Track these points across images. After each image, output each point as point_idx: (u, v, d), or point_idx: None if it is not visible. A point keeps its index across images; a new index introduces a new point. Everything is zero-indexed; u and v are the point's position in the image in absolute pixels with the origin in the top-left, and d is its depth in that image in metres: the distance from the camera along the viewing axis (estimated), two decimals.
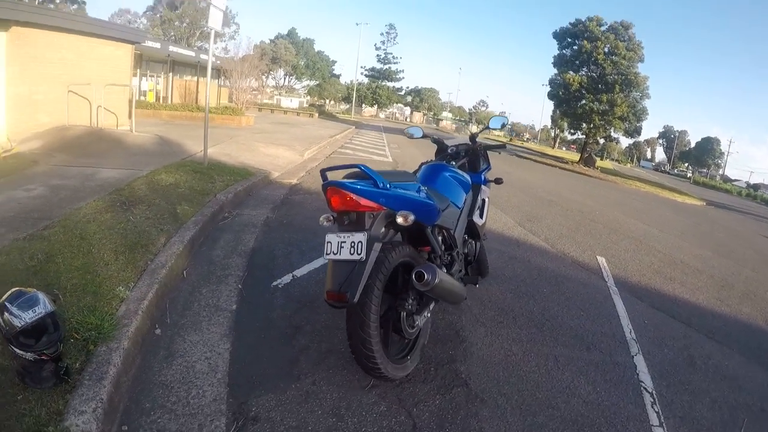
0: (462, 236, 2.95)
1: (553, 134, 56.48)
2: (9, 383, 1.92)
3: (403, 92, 64.59)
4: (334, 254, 1.92)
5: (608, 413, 2.49)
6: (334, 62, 60.52)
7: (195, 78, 28.62)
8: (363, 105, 57.43)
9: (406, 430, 2.04)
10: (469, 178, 3.15)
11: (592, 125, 27.54)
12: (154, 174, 6.31)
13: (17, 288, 2.08)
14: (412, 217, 1.99)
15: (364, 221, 1.98)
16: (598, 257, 5.35)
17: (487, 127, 3.56)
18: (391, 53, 56.65)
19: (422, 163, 3.16)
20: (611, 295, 4.33)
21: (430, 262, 2.41)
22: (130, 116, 12.35)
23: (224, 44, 40.48)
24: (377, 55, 57.08)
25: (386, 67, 56.88)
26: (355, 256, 1.88)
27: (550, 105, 33.78)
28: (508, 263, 4.52)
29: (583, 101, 27.29)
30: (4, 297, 1.98)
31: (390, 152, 14.31)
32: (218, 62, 26.76)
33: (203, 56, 27.50)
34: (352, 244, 1.90)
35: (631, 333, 3.61)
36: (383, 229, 2.08)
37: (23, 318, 1.90)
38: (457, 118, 72.38)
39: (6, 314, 1.91)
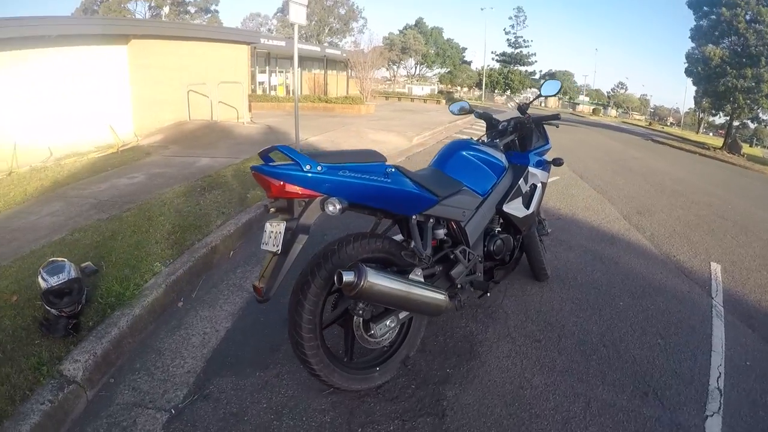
0: (481, 230, 2.50)
1: (697, 117, 49.58)
2: (34, 329, 2.41)
3: (536, 76, 62.79)
4: (264, 244, 1.85)
5: None
6: (464, 49, 61.26)
7: (322, 71, 31.08)
8: (495, 91, 56.89)
9: None
10: (503, 158, 2.71)
11: (735, 105, 24.08)
12: (245, 162, 7.05)
13: (52, 258, 2.67)
14: (338, 206, 1.73)
15: (293, 209, 1.85)
16: (713, 264, 4.29)
17: (540, 95, 3.12)
18: (521, 37, 56.66)
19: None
20: (712, 317, 3.34)
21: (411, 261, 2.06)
22: (250, 110, 14.07)
23: (353, 38, 42.97)
24: (507, 40, 57.26)
25: (517, 51, 57.02)
26: (273, 248, 1.78)
27: (693, 87, 29.33)
28: (589, 265, 3.91)
29: (726, 77, 23.32)
30: (43, 264, 2.61)
31: None
32: (344, 55, 28.77)
33: (329, 51, 29.80)
34: (271, 234, 1.82)
35: (720, 380, 2.63)
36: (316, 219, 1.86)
37: (49, 281, 2.49)
38: (595, 101, 67.11)
39: (40, 278, 2.51)
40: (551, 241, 4.08)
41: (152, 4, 40.71)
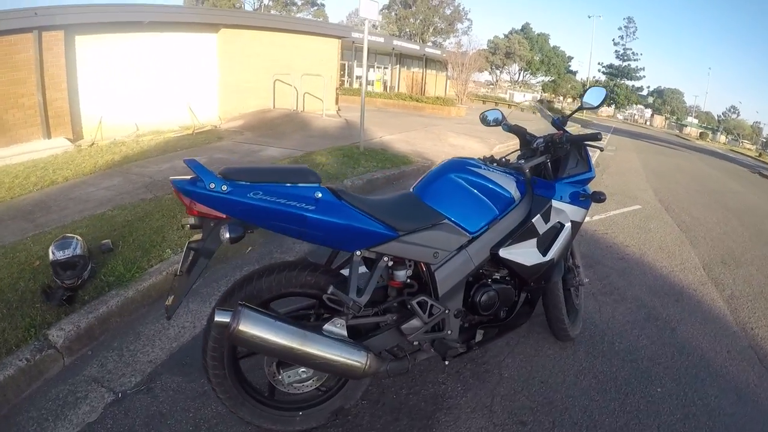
0: (461, 277, 2.01)
1: None
2: (39, 294, 2.75)
3: (644, 92, 59.43)
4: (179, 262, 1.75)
5: None
6: (570, 58, 60.45)
7: (421, 70, 31.38)
8: None
9: None
10: (511, 187, 2.16)
11: None
12: (308, 155, 7.30)
13: (64, 234, 2.98)
14: (227, 235, 1.55)
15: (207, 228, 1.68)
16: None
17: (582, 107, 2.62)
18: (630, 49, 55.62)
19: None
20: None
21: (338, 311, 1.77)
22: (337, 102, 14.60)
23: (457, 39, 42.79)
24: (615, 51, 56.76)
25: (625, 64, 55.87)
26: (179, 267, 1.70)
27: None
28: (637, 326, 3.18)
29: None
30: (57, 238, 2.99)
31: (598, 154, 12.63)
32: (443, 55, 28.80)
33: (428, 50, 29.97)
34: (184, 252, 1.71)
35: None
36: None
37: (56, 255, 2.76)
38: (704, 125, 61.63)
39: (50, 249, 2.84)
40: (601, 288, 3.66)
41: None
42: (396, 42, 27.38)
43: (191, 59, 10.11)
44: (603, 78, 56.88)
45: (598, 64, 61.81)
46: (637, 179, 9.45)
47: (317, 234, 1.68)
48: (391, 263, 1.86)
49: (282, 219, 1.63)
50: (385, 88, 28.58)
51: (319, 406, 1.98)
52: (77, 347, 2.50)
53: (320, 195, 1.67)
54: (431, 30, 46.06)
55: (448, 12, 47.41)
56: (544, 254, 2.18)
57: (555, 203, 2.22)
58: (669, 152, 18.77)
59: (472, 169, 2.11)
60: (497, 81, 55.42)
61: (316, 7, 49.46)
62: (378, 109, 18.08)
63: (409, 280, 1.93)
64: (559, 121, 2.57)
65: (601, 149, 2.68)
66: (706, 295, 3.84)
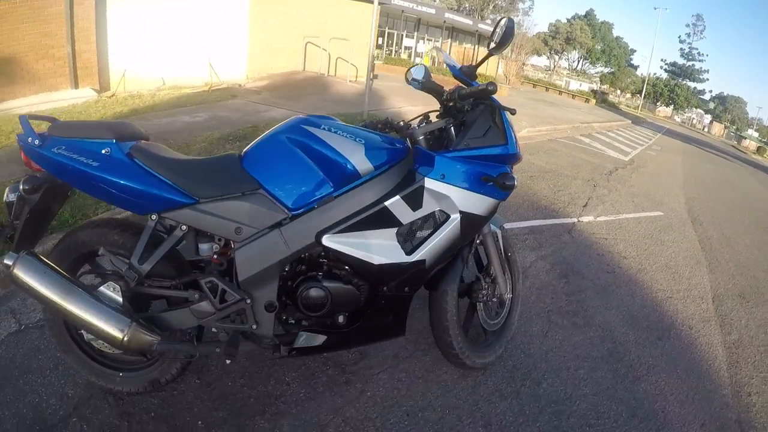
0: (274, 262, 1.55)
1: None
2: None
3: (705, 96, 55.23)
4: None
5: None
6: (632, 51, 56.14)
7: (473, 46, 29.83)
8: (658, 103, 51.31)
9: None
10: (357, 157, 1.58)
11: None
12: None
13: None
14: (11, 195, 1.52)
15: None
16: None
17: (491, 53, 1.74)
18: (696, 48, 51.88)
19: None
20: None
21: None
22: (373, 70, 13.94)
23: (517, 19, 40.23)
24: (680, 49, 52.40)
25: (689, 64, 52.05)
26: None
27: None
28: (585, 365, 2.34)
29: None
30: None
31: (637, 152, 11.38)
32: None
33: (481, 25, 28.28)
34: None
35: None
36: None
37: (9, 196, 2.51)
38: (765, 139, 56.79)
39: (5, 191, 2.64)
40: (564, 305, 2.89)
41: None
42: (447, 14, 25.83)
43: (221, 17, 9.72)
44: (664, 75, 53.40)
45: (661, 60, 57.91)
46: (671, 183, 8.23)
47: (109, 193, 1.50)
48: (187, 232, 1.56)
49: (73, 175, 1.49)
50: (433, 62, 27.33)
51: (138, 372, 1.76)
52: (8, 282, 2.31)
53: (108, 151, 1.50)
54: (491, 7, 43.68)
55: None
56: (408, 252, 1.63)
57: (431, 183, 1.61)
58: (719, 161, 16.76)
59: (308, 129, 1.59)
60: (555, 67, 52.23)
61: None
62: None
63: (216, 257, 1.61)
64: (461, 71, 1.81)
65: (513, 112, 1.77)
66: (702, 336, 2.92)
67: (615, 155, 9.74)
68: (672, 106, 51.99)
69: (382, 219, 1.57)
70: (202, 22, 9.27)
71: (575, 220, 4.66)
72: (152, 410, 1.71)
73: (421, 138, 1.73)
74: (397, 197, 1.57)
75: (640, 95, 46.40)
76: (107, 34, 8.15)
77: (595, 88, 41.73)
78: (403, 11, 22.59)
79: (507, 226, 4.12)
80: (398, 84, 13.02)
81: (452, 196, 1.62)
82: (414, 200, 1.59)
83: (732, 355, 2.80)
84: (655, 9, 52.27)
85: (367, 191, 1.57)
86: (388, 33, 25.01)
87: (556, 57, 52.36)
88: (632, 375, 2.36)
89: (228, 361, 1.61)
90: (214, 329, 1.62)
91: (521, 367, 2.24)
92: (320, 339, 1.70)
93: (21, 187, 1.53)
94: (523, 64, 23.73)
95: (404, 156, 1.67)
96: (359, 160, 1.57)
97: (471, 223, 1.69)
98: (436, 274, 1.84)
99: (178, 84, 8.80)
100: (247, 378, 1.91)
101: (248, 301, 1.56)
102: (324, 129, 1.59)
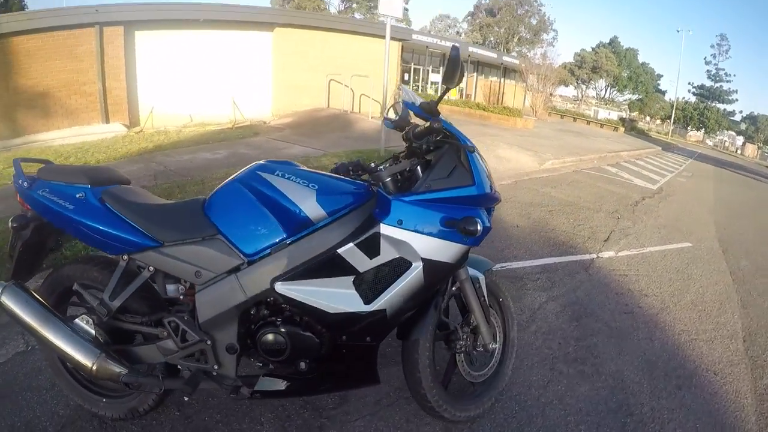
0: (232, 306, 1.54)
1: None
2: None
3: (737, 118, 53.05)
4: None
5: None
6: (659, 76, 54.88)
7: (499, 79, 29.93)
8: (689, 127, 49.82)
9: None
10: (308, 203, 1.55)
11: None
12: (326, 156, 6.83)
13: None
14: (11, 224, 1.65)
15: None
16: None
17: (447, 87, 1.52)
18: (723, 69, 49.47)
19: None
20: None
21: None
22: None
23: (542, 50, 40.27)
24: (707, 71, 50.13)
25: (717, 85, 49.84)
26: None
27: None
28: (587, 421, 2.10)
29: None
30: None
31: (666, 180, 10.88)
32: (523, 65, 27.16)
33: (506, 59, 28.43)
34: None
35: None
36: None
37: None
38: None
39: None
40: (572, 351, 2.63)
41: None
42: (471, 49, 26.12)
43: (246, 56, 10.12)
44: (693, 99, 51.45)
45: (689, 83, 56.52)
46: (701, 211, 7.75)
47: (84, 234, 1.61)
48: (155, 273, 1.63)
49: (53, 215, 1.61)
50: (461, 95, 27.47)
51: (119, 400, 1.83)
52: None
53: (82, 195, 1.61)
54: (516, 39, 43.99)
55: (533, 22, 44.86)
56: (367, 302, 1.53)
57: (387, 230, 1.49)
58: (753, 184, 15.83)
59: (263, 176, 1.60)
60: (583, 96, 51.71)
61: None
62: (446, 115, 17.08)
63: (182, 298, 1.65)
64: (420, 108, 1.63)
65: (471, 150, 1.62)
66: (729, 382, 2.58)
67: (642, 184, 9.33)
68: (703, 130, 50.35)
69: (336, 267, 1.51)
70: (228, 62, 9.67)
71: (594, 256, 4.38)
72: None
73: (387, 180, 1.63)
74: (351, 245, 1.50)
75: (670, 120, 45.22)
76: (136, 72, 8.61)
77: (623, 116, 40.93)
78: (427, 47, 22.99)
79: (516, 265, 3.91)
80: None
81: (412, 242, 1.51)
82: (370, 247, 1.50)
83: (763, 403, 2.46)
84: (678, 32, 51.67)
85: (320, 238, 1.53)
86: (414, 68, 25.38)
87: (584, 86, 51.96)
88: (642, 431, 2.10)
89: (186, 398, 1.72)
90: (179, 366, 1.65)
91: (513, 421, 2.01)
92: (282, 384, 1.66)
93: (10, 224, 1.67)
94: (551, 95, 23.40)
95: (364, 201, 1.60)
96: (310, 207, 1.54)
97: (436, 270, 1.57)
98: (407, 322, 1.72)
99: (204, 121, 9.12)
100: (224, 414, 1.90)
101: (208, 342, 1.58)
102: (278, 175, 1.59)
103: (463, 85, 28.81)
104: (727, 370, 2.74)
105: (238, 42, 9.93)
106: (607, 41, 51.52)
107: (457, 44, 1.56)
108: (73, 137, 7.24)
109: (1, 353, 2.21)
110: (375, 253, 1.50)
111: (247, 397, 1.64)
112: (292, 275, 1.51)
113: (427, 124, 1.59)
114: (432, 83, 26.82)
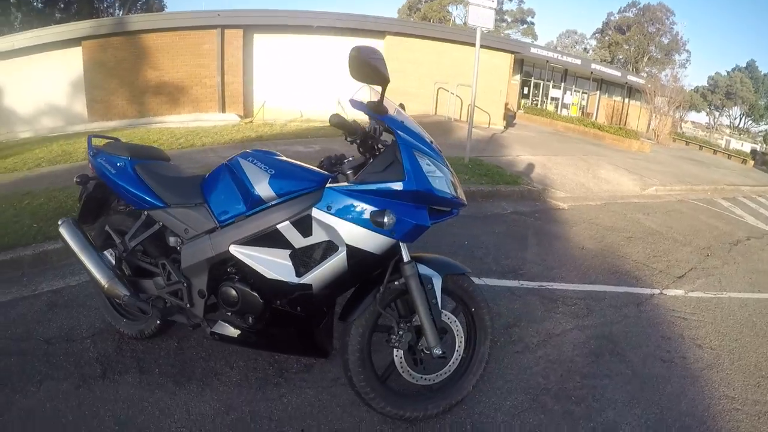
0: (202, 259, 1.90)
1: None
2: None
3: None
4: None
5: None
6: None
7: (623, 99, 27.41)
8: None
9: None
10: (263, 186, 1.79)
11: None
12: None
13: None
14: (75, 180, 2.32)
15: None
16: None
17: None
18: None
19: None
20: None
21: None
22: (504, 118, 13.79)
23: (673, 71, 35.78)
24: None
25: None
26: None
27: None
28: None
29: None
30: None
31: None
32: (648, 86, 24.41)
33: (630, 77, 25.85)
34: None
35: None
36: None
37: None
38: None
39: None
40: (571, 388, 2.30)
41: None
42: (594, 66, 24.10)
43: None
44: None
45: None
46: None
47: (119, 190, 2.11)
48: (162, 227, 2.05)
49: (104, 177, 2.15)
50: (582, 113, 25.50)
51: (133, 322, 2.35)
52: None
53: (122, 164, 2.12)
54: (646, 59, 39.65)
55: (665, 41, 40.03)
56: (298, 275, 1.74)
57: (317, 213, 1.68)
58: None
59: (240, 160, 1.93)
60: (716, 124, 44.98)
61: (525, 25, 46.88)
62: (554, 131, 16.22)
63: (178, 248, 1.99)
64: (367, 107, 1.67)
65: (417, 147, 1.67)
66: None
67: (754, 223, 7.79)
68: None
69: (276, 240, 1.74)
70: (338, 65, 10.15)
71: (656, 291, 3.80)
72: (136, 352, 2.27)
73: (349, 172, 1.75)
74: (287, 222, 1.72)
75: None
76: (253, 69, 9.47)
77: (756, 148, 34.51)
78: (548, 61, 21.77)
79: (556, 286, 3.55)
80: (531, 133, 12.54)
81: (338, 227, 1.65)
82: (304, 227, 1.70)
83: None
84: None
85: (273, 215, 1.75)
86: (534, 83, 24.23)
87: (716, 113, 45.19)
88: None
89: (158, 321, 2.20)
90: (166, 301, 2.09)
91: None
92: (234, 332, 1.94)
93: (75, 179, 2.27)
94: (681, 119, 20.65)
95: (315, 187, 1.74)
96: (262, 188, 1.79)
97: (360, 258, 1.68)
98: (347, 305, 1.82)
99: (312, 117, 9.71)
100: (208, 353, 2.29)
101: (185, 284, 1.96)
102: (249, 161, 1.89)
103: (584, 102, 26.80)
104: None
105: (348, 47, 10.40)
106: (744, 65, 44.48)
107: (356, 46, 1.59)
108: (191, 122, 8.26)
109: (74, 279, 2.96)
110: (308, 233, 1.71)
111: (208, 336, 1.97)
112: (245, 242, 1.79)
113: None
114: (552, 98, 25.37)
